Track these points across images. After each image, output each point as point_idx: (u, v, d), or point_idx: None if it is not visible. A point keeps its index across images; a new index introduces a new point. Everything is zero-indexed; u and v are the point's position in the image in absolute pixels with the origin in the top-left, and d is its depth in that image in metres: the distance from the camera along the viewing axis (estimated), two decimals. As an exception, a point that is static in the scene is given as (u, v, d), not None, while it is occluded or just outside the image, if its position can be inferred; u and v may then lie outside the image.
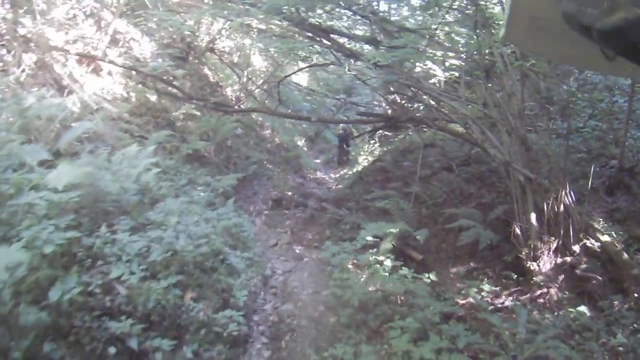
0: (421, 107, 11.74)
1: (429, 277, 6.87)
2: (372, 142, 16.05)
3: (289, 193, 13.04)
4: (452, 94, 8.48)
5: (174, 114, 11.38)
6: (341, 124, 18.40)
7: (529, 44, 1.46)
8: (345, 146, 18.25)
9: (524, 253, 6.96)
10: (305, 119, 10.67)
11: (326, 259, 7.85)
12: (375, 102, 18.91)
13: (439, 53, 8.32)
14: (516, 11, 1.16)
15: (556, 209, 6.97)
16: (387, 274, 6.82)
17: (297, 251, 9.27)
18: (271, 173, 13.96)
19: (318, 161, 19.81)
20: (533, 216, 7.08)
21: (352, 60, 10.10)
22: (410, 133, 14.54)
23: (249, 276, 6.59)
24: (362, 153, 16.24)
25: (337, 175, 17.20)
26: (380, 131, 14.59)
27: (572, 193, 7.10)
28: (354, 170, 15.71)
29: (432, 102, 10.07)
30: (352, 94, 23.83)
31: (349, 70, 8.70)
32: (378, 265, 7.05)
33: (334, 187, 15.00)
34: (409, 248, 8.60)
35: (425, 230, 8.38)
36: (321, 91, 20.73)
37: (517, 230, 7.10)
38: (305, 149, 19.86)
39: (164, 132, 9.15)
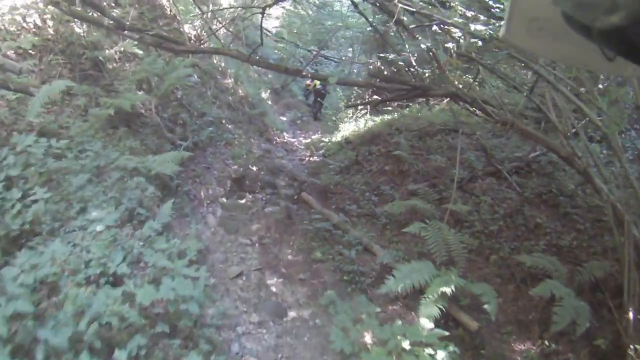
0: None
1: None
2: (350, 107, 11.98)
3: (254, 168, 9.00)
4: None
5: (106, 52, 7.40)
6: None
7: (529, 43, 1.10)
8: (320, 103, 15.57)
9: (631, 348, 4.25)
10: (294, 73, 6.57)
11: (335, 342, 4.01)
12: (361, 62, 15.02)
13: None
14: (516, 11, 0.97)
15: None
16: None
17: (274, 289, 5.40)
18: (231, 137, 9.85)
19: (284, 119, 15.64)
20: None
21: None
22: (410, 104, 10.64)
23: None
24: (345, 119, 12.11)
25: (308, 141, 13.19)
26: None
27: None
28: (333, 138, 11.71)
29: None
30: (325, 48, 19.81)
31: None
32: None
33: (307, 159, 11.02)
34: (457, 309, 4.92)
35: (489, 288, 4.74)
36: (292, 40, 16.86)
37: (630, 315, 4.47)
38: (270, 102, 15.47)
39: (60, 82, 4.94)
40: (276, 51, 17.69)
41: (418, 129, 8.29)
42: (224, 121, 10.23)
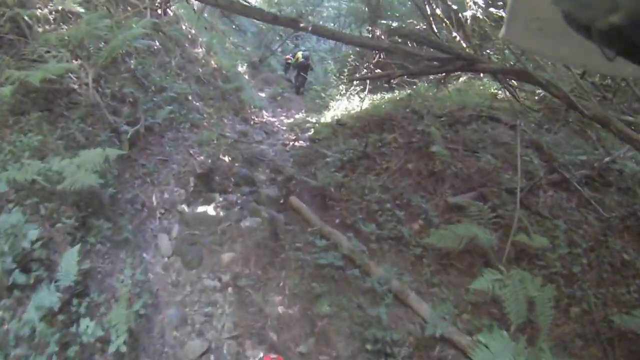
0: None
1: None
2: (352, 82, 9.69)
3: (226, 158, 6.76)
4: None
5: (38, 11, 5.34)
6: (301, 52, 13.54)
7: (529, 43, 1.08)
8: (303, 77, 13.77)
9: None
10: (286, 23, 4.33)
11: None
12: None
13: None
14: (516, 11, 0.94)
15: None
16: None
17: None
18: (199, 117, 7.60)
19: (263, 95, 13.25)
20: None
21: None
22: (417, 82, 8.48)
23: None
24: (337, 97, 9.83)
25: (291, 120, 10.93)
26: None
27: None
28: (322, 119, 9.52)
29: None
30: (307, 21, 17.58)
31: None
32: None
33: (291, 144, 8.81)
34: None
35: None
36: (273, 12, 14.77)
37: None
38: (247, 77, 12.98)
39: None
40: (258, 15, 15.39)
41: (444, 113, 6.05)
42: (190, 97, 7.92)
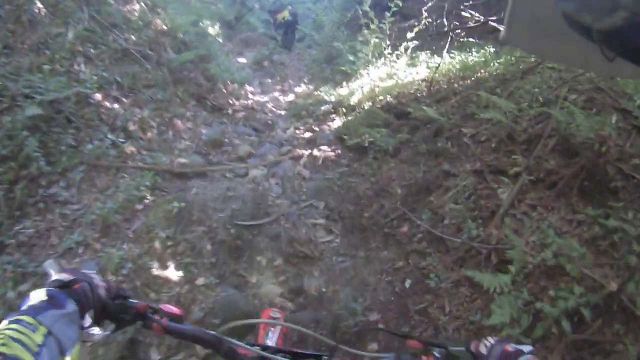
0: None
1: None
2: (409, 42, 5.08)
3: (172, 264, 2.39)
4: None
5: None
6: (287, 10, 11.03)
7: (529, 44, 1.09)
8: (292, 32, 11.30)
9: None
10: None
11: None
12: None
13: None
14: (516, 11, 0.89)
15: None
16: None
17: None
18: (108, 144, 3.18)
19: (243, 61, 8.67)
20: None
21: None
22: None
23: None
24: (374, 60, 5.30)
25: (292, 98, 6.60)
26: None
27: None
28: (351, 97, 5.19)
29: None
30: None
31: None
32: None
33: (306, 153, 4.44)
34: None
35: None
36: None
37: None
38: (221, 40, 8.21)
39: None
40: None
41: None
42: (95, 97, 3.50)
